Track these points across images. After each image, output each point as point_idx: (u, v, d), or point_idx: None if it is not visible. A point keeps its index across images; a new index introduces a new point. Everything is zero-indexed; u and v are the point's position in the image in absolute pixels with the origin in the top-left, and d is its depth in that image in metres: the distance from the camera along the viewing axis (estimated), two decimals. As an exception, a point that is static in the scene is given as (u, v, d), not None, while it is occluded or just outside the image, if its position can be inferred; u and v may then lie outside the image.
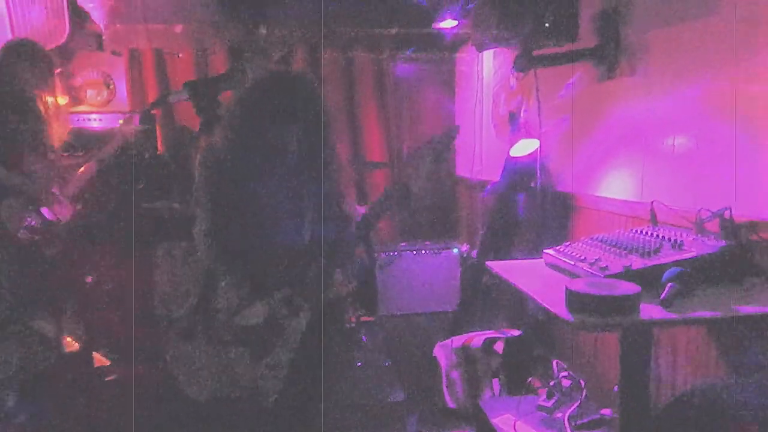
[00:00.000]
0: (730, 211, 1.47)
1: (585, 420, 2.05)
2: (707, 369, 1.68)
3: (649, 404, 1.53)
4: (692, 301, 1.28)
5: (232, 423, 1.59)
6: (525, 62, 2.14)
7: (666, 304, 1.25)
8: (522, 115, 2.86)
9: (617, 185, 2.16)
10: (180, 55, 4.01)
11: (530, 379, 2.52)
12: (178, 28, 3.97)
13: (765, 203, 1.48)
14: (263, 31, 4.08)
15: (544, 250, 1.76)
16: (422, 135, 4.15)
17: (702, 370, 1.70)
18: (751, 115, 1.55)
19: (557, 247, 1.74)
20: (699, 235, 1.54)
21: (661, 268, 1.40)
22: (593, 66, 2.15)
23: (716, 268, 1.41)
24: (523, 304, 2.59)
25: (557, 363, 2.31)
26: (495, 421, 2.11)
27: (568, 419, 2.06)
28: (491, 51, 3.44)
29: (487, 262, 1.81)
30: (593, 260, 1.53)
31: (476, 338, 2.49)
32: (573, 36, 2.03)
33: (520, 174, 2.57)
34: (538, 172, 2.29)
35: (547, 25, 1.96)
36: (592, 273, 1.47)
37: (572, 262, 1.59)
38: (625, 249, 1.56)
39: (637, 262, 1.44)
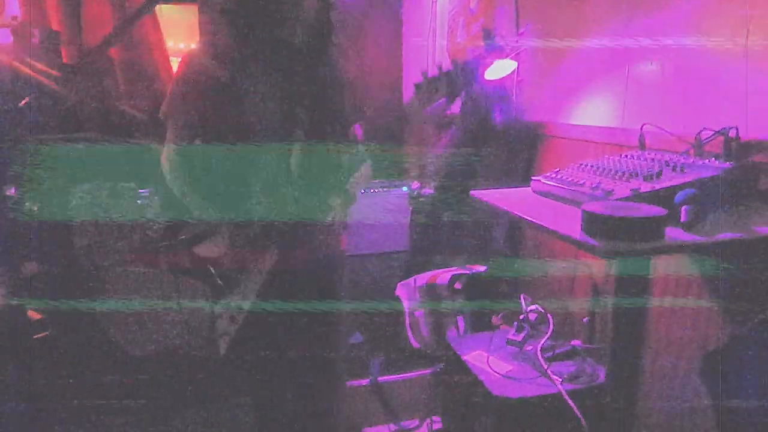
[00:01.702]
0: (737, 130, 1.40)
1: (556, 351, 2.02)
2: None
3: (644, 338, 1.49)
4: (708, 225, 1.21)
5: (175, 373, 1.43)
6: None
7: (687, 227, 1.17)
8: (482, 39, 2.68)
9: (594, 112, 2.06)
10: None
11: (493, 317, 2.48)
12: None
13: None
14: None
15: (532, 177, 1.64)
16: (366, 70, 3.88)
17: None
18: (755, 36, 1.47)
19: (546, 174, 1.62)
20: (699, 158, 1.47)
21: (669, 191, 1.32)
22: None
23: (723, 191, 1.34)
24: (488, 239, 2.51)
25: (524, 297, 2.25)
26: (466, 358, 2.03)
27: (540, 351, 2.02)
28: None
29: (472, 192, 1.66)
30: (594, 185, 1.42)
31: (441, 275, 2.38)
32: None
33: (485, 101, 2.41)
34: (513, 96, 2.14)
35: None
36: (595, 197, 1.36)
37: (568, 187, 1.48)
38: (623, 173, 1.46)
39: (644, 186, 1.34)
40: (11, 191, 2.24)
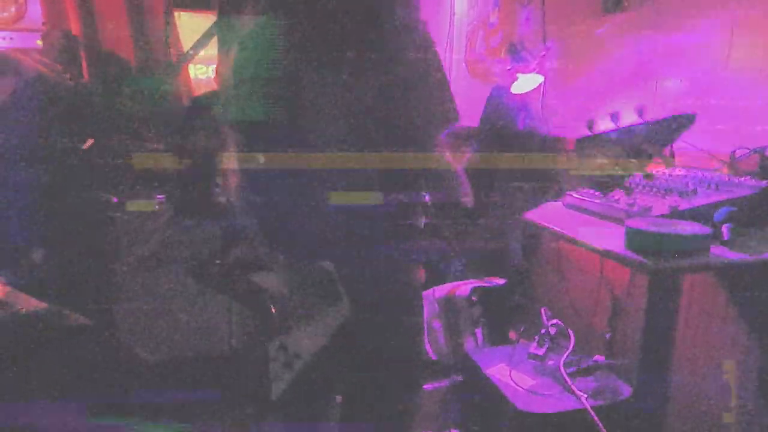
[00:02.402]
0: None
1: (579, 366, 2.01)
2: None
3: (672, 355, 1.48)
4: (750, 244, 1.21)
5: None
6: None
7: (729, 245, 1.17)
8: (505, 51, 2.70)
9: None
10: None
11: (510, 331, 2.48)
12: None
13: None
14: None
15: (567, 192, 1.64)
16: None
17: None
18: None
19: (579, 190, 1.63)
20: (733, 176, 1.47)
21: (707, 208, 1.32)
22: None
23: (761, 209, 1.35)
24: (505, 253, 2.51)
25: (545, 311, 2.25)
26: (489, 371, 2.02)
27: (563, 366, 2.01)
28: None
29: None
30: (630, 201, 1.43)
31: (461, 287, 2.38)
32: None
33: (506, 115, 2.42)
34: (539, 111, 2.15)
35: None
36: (632, 213, 1.37)
37: (603, 203, 1.48)
38: (660, 190, 1.47)
39: (683, 203, 1.35)
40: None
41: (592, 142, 1.07)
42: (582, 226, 1.45)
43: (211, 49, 3.89)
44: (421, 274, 1.46)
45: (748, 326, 1.48)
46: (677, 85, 1.85)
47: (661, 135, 1.15)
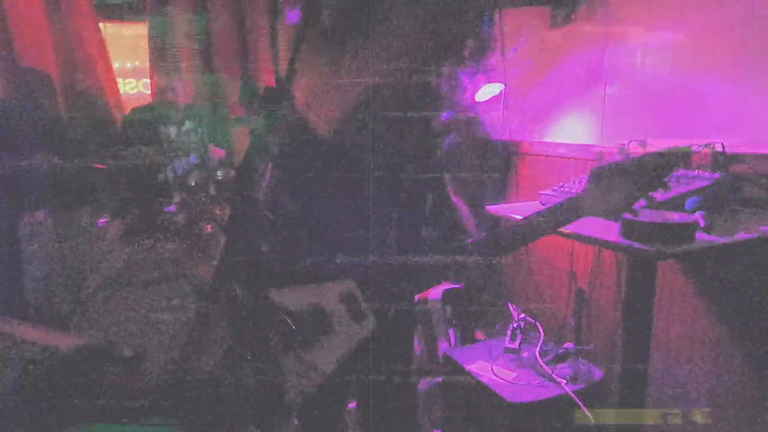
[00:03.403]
0: (722, 145, 1.60)
1: (552, 355, 2.14)
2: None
3: (651, 333, 1.63)
4: (720, 227, 1.37)
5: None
6: (491, 1, 2.07)
7: (708, 230, 1.32)
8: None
9: (572, 130, 2.24)
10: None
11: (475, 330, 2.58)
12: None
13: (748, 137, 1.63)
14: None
15: (540, 192, 1.76)
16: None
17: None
18: (719, 61, 1.69)
19: (553, 188, 1.75)
20: (688, 170, 1.65)
21: (677, 199, 1.48)
22: (551, 10, 2.16)
23: (717, 198, 1.52)
24: (471, 250, 2.60)
25: (513, 306, 2.37)
26: (471, 368, 2.10)
27: (538, 355, 2.13)
28: None
29: (486, 206, 1.74)
30: (607, 196, 1.56)
31: (433, 290, 2.44)
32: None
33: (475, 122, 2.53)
34: (499, 118, 2.27)
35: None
36: (613, 208, 1.49)
37: (582, 200, 1.60)
38: (628, 185, 1.61)
39: (657, 196, 1.49)
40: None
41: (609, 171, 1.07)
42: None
43: (142, 63, 3.72)
44: None
45: (719, 305, 1.66)
46: (623, 89, 2.04)
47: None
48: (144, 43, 3.61)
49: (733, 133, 1.65)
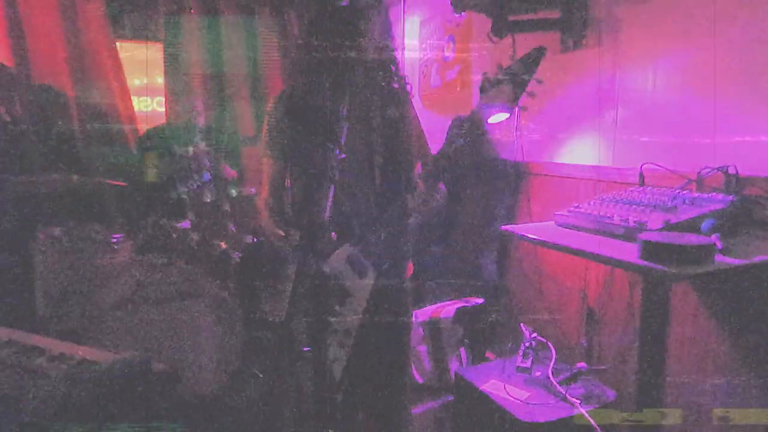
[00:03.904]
0: (735, 168, 1.63)
1: (565, 375, 2.15)
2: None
3: (666, 354, 1.64)
4: (737, 250, 1.39)
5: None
6: (502, 27, 2.13)
7: (725, 252, 1.34)
8: (459, 84, 2.87)
9: (583, 152, 2.28)
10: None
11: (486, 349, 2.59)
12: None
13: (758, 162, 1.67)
14: (148, -23, 3.50)
15: (556, 213, 1.78)
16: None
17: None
18: (728, 86, 1.74)
19: (569, 209, 1.78)
20: (701, 192, 1.68)
21: (692, 221, 1.51)
22: (561, 36, 2.22)
23: (733, 220, 1.55)
24: (480, 271, 2.63)
25: (524, 326, 2.38)
26: (484, 388, 2.10)
27: (551, 375, 2.13)
28: (416, 19, 3.40)
29: (501, 227, 1.77)
30: (623, 217, 1.59)
31: (445, 309, 2.45)
32: (551, 2, 2.07)
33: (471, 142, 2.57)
34: (512, 139, 2.31)
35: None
36: (630, 228, 1.52)
37: (598, 220, 1.63)
38: (643, 207, 1.64)
39: (672, 218, 1.52)
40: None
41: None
42: (581, 241, 1.59)
43: (156, 81, 3.78)
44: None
45: (735, 326, 1.67)
46: (633, 112, 2.08)
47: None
48: (159, 61, 3.68)
49: (744, 156, 1.68)
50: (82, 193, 2.68)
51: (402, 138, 1.62)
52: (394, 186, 1.57)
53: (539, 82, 1.44)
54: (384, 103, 1.58)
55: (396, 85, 1.62)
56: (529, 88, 1.45)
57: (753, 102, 1.69)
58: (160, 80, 3.72)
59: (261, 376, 2.23)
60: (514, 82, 1.42)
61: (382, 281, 1.52)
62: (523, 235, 1.68)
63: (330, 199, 1.45)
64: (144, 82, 3.77)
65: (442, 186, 1.55)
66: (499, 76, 1.43)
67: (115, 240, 2.74)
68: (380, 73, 1.57)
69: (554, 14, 2.14)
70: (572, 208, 1.77)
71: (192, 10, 3.57)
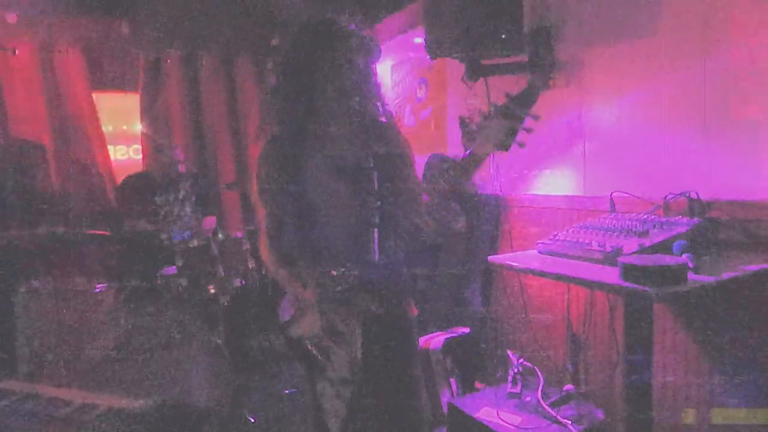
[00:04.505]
0: (697, 193, 1.78)
1: (554, 398, 2.22)
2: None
3: (651, 370, 1.73)
4: (707, 268, 1.51)
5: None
6: (476, 71, 2.28)
7: (697, 271, 1.46)
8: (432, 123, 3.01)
9: (555, 184, 2.41)
10: (16, 52, 3.27)
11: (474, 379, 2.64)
12: (12, 18, 3.25)
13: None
14: (125, 29, 3.58)
15: (538, 241, 1.89)
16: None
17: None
18: (684, 118, 1.91)
19: (549, 237, 1.88)
20: (668, 216, 1.82)
21: (663, 244, 1.63)
22: (530, 78, 2.38)
23: (698, 241, 1.68)
24: (467, 301, 2.70)
25: (512, 353, 2.45)
26: (478, 416, 2.15)
27: (541, 399, 2.20)
28: (388, 63, 3.56)
29: (490, 258, 1.86)
30: (601, 243, 1.70)
31: (433, 341, 2.51)
32: (521, 47, 2.23)
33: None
34: (491, 175, 2.43)
35: (503, 36, 2.12)
36: (608, 253, 1.63)
37: (579, 247, 1.74)
38: (617, 232, 1.76)
39: (645, 242, 1.64)
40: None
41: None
42: (565, 267, 1.68)
43: (132, 129, 3.82)
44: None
45: (709, 338, 1.78)
46: (601, 145, 2.24)
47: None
48: (133, 110, 3.73)
49: (704, 183, 1.83)
50: (64, 245, 2.67)
51: (408, 169, 1.62)
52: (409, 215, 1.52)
53: (535, 118, 1.47)
54: (382, 140, 1.55)
55: (384, 120, 1.60)
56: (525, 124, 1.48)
57: (707, 134, 1.85)
58: (137, 128, 3.76)
59: (252, 420, 2.23)
60: (510, 118, 1.45)
61: (387, 314, 1.47)
62: (510, 265, 1.77)
63: (376, 242, 1.42)
64: (121, 129, 3.80)
65: (456, 206, 1.56)
66: (492, 114, 1.45)
67: (98, 290, 2.72)
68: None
69: (523, 58, 2.30)
70: (552, 237, 1.88)
71: (169, 60, 3.65)
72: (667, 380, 1.85)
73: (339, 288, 1.37)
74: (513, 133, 1.48)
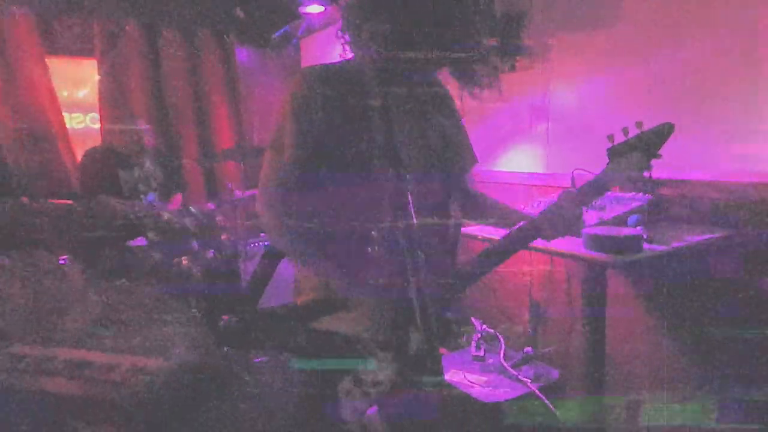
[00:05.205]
0: (650, 172, 1.95)
1: (515, 360, 2.40)
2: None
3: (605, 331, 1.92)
4: (659, 238, 1.69)
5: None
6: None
7: (650, 241, 1.63)
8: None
9: (518, 161, 2.56)
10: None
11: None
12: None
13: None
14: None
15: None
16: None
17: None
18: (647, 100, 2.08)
19: (517, 211, 2.02)
20: (622, 193, 2.00)
21: (621, 217, 1.80)
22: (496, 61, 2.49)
23: (651, 214, 1.87)
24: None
25: (475, 320, 2.62)
26: (447, 378, 2.30)
27: (504, 360, 2.38)
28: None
29: (463, 229, 1.98)
30: (565, 216, 1.85)
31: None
32: (494, 32, 2.33)
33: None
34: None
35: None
36: (571, 226, 1.79)
37: (544, 220, 1.88)
38: (578, 207, 1.92)
39: (604, 215, 1.81)
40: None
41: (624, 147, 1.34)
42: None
43: (90, 98, 3.68)
44: None
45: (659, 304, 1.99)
46: (564, 127, 2.39)
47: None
48: (92, 76, 3.58)
49: (656, 162, 2.01)
50: (28, 216, 2.58)
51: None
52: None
53: (659, 157, 1.37)
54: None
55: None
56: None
57: (660, 114, 2.03)
58: (94, 96, 3.62)
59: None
60: (646, 152, 1.36)
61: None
62: (475, 235, 1.90)
63: None
64: (77, 96, 3.64)
65: None
66: (633, 143, 1.36)
67: (62, 262, 2.67)
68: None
69: (493, 41, 2.40)
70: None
71: (128, 26, 3.53)
72: (618, 340, 2.05)
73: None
74: (644, 168, 1.38)
